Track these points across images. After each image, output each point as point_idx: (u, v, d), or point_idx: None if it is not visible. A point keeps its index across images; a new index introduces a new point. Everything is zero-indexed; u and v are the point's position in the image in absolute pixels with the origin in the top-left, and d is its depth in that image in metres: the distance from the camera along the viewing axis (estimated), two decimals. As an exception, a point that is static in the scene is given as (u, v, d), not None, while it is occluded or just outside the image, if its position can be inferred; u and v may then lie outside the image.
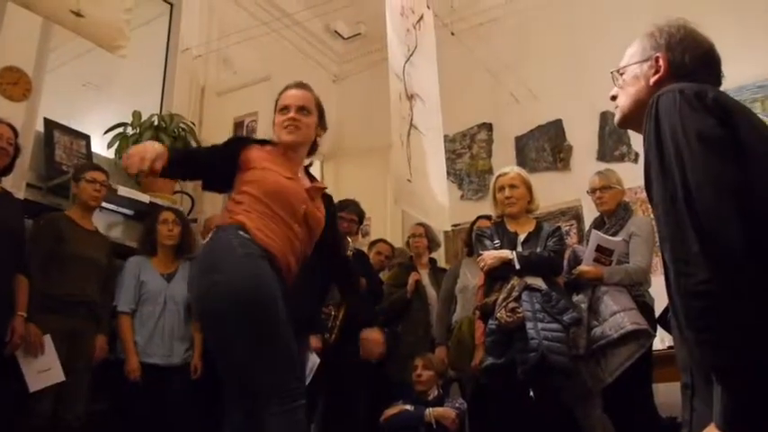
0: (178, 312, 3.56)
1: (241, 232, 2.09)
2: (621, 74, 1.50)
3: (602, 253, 3.23)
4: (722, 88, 1.37)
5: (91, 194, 3.42)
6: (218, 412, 2.42)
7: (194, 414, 3.43)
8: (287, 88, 2.46)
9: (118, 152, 4.25)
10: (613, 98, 1.53)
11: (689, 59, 1.40)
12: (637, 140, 4.85)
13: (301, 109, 2.38)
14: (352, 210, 4.11)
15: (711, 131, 1.15)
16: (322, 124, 2.48)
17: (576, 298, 3.27)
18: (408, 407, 3.66)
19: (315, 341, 3.58)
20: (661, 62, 1.41)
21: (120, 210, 4.25)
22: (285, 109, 2.38)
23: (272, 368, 1.97)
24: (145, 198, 4.04)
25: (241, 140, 2.34)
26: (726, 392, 1.03)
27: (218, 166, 2.30)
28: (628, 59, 1.50)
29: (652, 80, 1.42)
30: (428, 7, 4.27)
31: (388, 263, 4.85)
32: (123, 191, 3.95)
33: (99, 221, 3.92)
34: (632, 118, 1.46)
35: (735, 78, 4.29)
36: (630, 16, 4.49)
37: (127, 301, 3.49)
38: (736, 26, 4.42)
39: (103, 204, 4.07)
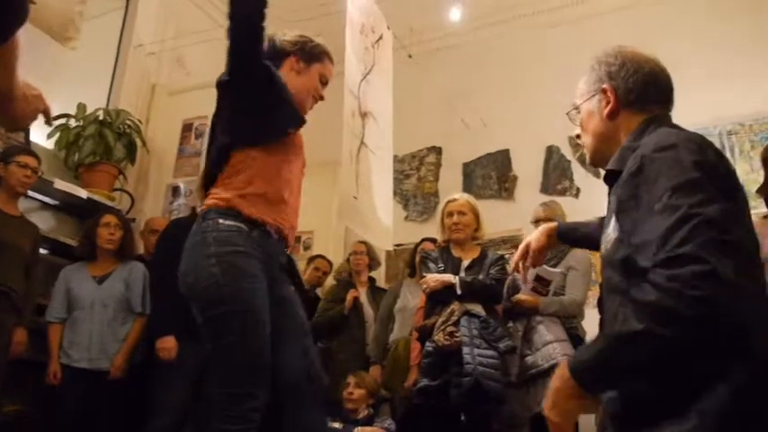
0: (107, 315, 3.46)
1: (223, 220, 1.96)
2: (579, 112, 1.51)
3: (540, 283, 3.29)
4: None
5: (20, 180, 3.26)
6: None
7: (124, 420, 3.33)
8: (331, 59, 2.30)
9: (58, 144, 4.11)
10: (578, 137, 1.53)
11: (633, 83, 1.40)
12: (579, 176, 4.99)
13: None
14: None
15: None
16: None
17: (511, 325, 3.32)
18: (337, 425, 3.63)
19: None
20: (609, 93, 1.41)
21: (55, 203, 4.10)
22: (325, 83, 2.28)
23: (227, 377, 1.85)
24: (83, 194, 3.92)
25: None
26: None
27: None
28: (579, 98, 1.51)
29: (605, 112, 1.42)
30: (388, 28, 4.30)
31: (326, 279, 4.83)
32: (60, 184, 3.81)
33: (29, 214, 3.77)
34: (600, 154, 1.46)
35: (694, 120, 4.48)
36: (583, 56, 4.63)
37: (53, 311, 3.46)
38: (699, 69, 4.59)
39: (37, 196, 3.94)
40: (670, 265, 1.03)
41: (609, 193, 1.39)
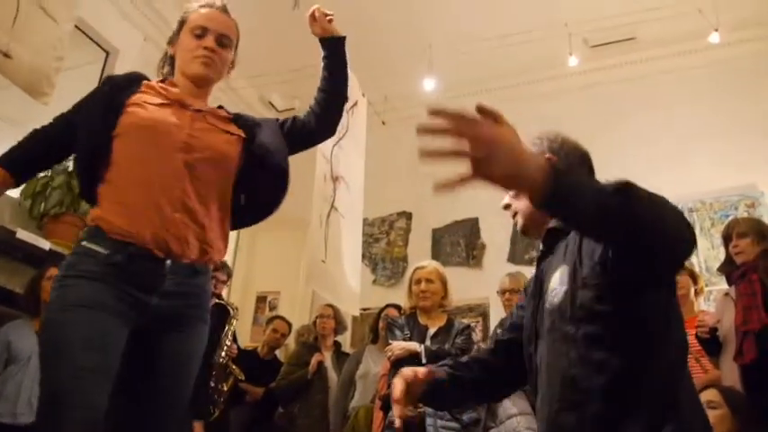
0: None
1: (85, 243, 1.72)
2: None
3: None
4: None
5: None
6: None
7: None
8: (206, 5, 1.95)
9: (23, 193, 4.04)
10: (506, 207, 1.54)
11: (572, 159, 1.47)
12: (546, 247, 5.06)
13: (222, 37, 1.92)
14: (226, 271, 4.10)
15: None
16: (233, 61, 2.05)
17: (475, 396, 3.28)
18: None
19: (198, 428, 3.42)
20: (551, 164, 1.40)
21: (15, 254, 4.00)
22: (202, 33, 1.90)
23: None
24: (45, 245, 3.83)
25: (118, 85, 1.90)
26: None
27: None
28: None
29: None
30: (363, 95, 4.38)
31: (284, 341, 4.77)
32: (22, 234, 3.73)
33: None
34: (534, 223, 1.49)
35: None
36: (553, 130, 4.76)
37: None
38: (663, 147, 4.74)
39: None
40: None
41: (542, 249, 1.46)
